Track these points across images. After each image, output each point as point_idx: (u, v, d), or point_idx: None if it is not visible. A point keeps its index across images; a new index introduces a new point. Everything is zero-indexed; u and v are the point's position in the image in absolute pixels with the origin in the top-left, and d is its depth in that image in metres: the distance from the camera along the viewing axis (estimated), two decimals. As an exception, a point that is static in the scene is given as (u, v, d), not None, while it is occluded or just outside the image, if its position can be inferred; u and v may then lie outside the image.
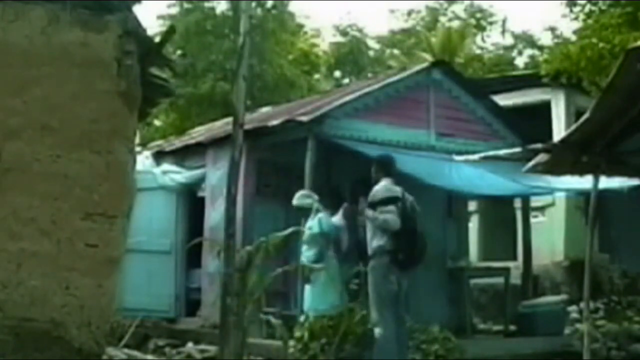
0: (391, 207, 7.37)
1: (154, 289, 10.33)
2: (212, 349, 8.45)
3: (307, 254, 8.54)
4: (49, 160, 4.57)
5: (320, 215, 8.65)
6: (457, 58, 21.43)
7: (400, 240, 7.35)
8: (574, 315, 10.94)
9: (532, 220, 11.89)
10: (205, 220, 10.42)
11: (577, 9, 11.80)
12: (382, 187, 7.53)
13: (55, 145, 4.58)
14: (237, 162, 4.98)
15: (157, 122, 23.01)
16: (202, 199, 10.69)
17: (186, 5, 22.61)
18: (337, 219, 8.96)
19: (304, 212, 8.75)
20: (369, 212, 7.41)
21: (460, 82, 11.13)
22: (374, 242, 7.41)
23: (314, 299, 8.38)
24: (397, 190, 7.54)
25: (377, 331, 7.24)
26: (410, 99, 10.59)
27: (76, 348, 4.49)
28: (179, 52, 21.46)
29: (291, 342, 7.64)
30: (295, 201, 8.76)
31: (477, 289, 12.09)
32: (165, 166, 11.27)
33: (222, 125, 12.48)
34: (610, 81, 5.69)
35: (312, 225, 8.56)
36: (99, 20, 4.73)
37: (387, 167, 7.78)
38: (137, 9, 5.02)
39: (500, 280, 11.36)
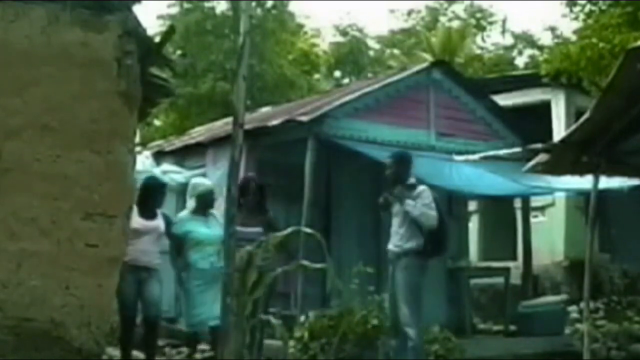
0: (433, 204, 7.22)
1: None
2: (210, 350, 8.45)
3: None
4: (49, 160, 4.56)
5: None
6: (457, 58, 21.45)
7: (432, 236, 7.22)
8: (574, 315, 10.93)
9: (532, 220, 11.91)
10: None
11: (577, 9, 11.81)
12: (425, 188, 7.36)
13: (55, 145, 4.58)
14: (237, 162, 4.96)
15: (157, 122, 23.04)
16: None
17: (186, 5, 22.64)
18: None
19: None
20: (410, 202, 7.17)
21: (460, 82, 11.13)
22: (409, 243, 7.20)
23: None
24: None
25: (411, 331, 7.03)
26: (410, 99, 10.59)
27: (76, 348, 4.49)
28: (179, 52, 21.49)
29: (291, 342, 7.64)
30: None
31: (477, 289, 12.09)
32: (165, 166, 11.26)
33: (222, 125, 12.49)
34: (610, 81, 5.69)
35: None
36: (99, 20, 4.73)
37: (410, 164, 7.56)
38: (137, 9, 5.02)
39: (500, 280, 11.37)
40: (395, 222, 7.33)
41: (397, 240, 7.26)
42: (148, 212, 7.75)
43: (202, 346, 9.01)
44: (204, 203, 8.02)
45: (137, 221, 7.54)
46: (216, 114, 17.05)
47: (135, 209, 7.60)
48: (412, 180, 7.40)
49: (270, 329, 6.86)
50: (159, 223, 7.82)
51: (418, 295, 7.20)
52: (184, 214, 8.30)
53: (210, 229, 7.82)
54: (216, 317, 6.73)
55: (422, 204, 7.16)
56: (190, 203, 8.23)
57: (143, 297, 7.58)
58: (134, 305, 7.56)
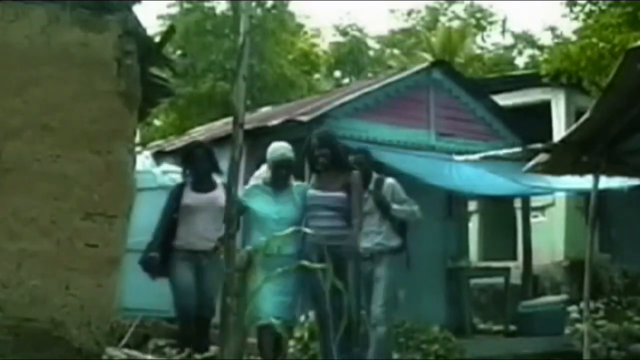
0: (411, 200, 7.23)
1: (154, 289, 10.30)
2: (212, 349, 8.44)
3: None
4: (49, 160, 4.56)
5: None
6: (457, 58, 21.47)
7: (406, 234, 7.29)
8: (574, 315, 10.93)
9: (532, 220, 11.92)
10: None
11: (577, 8, 11.83)
12: (394, 182, 7.34)
13: (55, 145, 4.58)
14: (237, 162, 4.96)
15: (157, 122, 23.05)
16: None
17: (186, 5, 22.66)
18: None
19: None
20: (395, 206, 7.12)
21: (461, 82, 11.15)
22: (393, 241, 7.17)
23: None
24: None
25: (380, 329, 6.98)
26: (410, 99, 10.60)
27: (76, 348, 4.49)
28: (179, 52, 21.49)
29: (291, 342, 7.64)
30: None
31: (477, 289, 12.10)
32: (165, 166, 11.25)
33: (222, 125, 12.49)
34: (610, 81, 5.69)
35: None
36: (99, 20, 4.72)
37: (372, 159, 7.51)
38: (137, 9, 5.02)
39: (500, 280, 11.38)
40: (372, 220, 7.14)
41: (380, 238, 7.15)
42: (202, 184, 6.66)
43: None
44: (278, 173, 6.45)
45: (189, 196, 6.64)
46: (216, 114, 17.06)
47: (188, 183, 6.75)
48: (375, 175, 7.34)
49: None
50: (217, 195, 6.46)
51: (396, 294, 7.19)
52: (253, 182, 6.72)
53: (281, 206, 6.38)
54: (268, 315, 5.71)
55: (401, 200, 7.17)
56: (264, 170, 6.67)
57: (199, 288, 6.55)
58: (193, 296, 6.58)
